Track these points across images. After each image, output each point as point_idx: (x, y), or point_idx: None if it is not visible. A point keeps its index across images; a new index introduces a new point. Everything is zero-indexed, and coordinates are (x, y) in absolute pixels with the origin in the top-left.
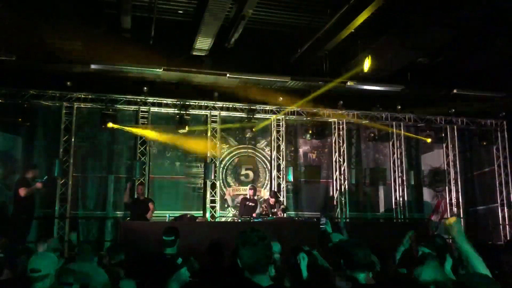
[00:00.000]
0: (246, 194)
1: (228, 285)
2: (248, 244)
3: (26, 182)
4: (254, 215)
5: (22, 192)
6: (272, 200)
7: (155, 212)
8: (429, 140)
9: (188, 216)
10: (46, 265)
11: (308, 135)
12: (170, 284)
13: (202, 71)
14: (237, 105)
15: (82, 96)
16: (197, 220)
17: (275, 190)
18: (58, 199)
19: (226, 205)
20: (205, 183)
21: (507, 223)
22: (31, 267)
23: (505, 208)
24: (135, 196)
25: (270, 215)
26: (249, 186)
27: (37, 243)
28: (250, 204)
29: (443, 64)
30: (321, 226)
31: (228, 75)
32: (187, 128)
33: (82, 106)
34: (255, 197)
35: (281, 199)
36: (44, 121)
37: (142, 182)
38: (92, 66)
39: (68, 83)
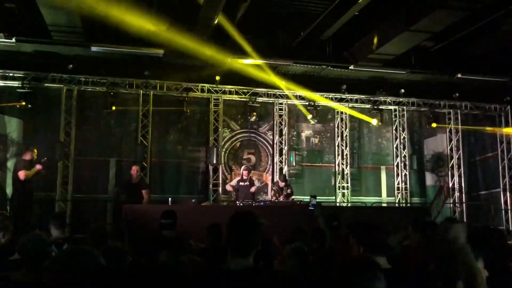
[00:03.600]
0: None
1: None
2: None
3: (25, 165)
4: (253, 189)
5: (22, 174)
6: (282, 184)
7: (156, 195)
8: (434, 125)
9: (193, 201)
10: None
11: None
12: None
13: (203, 54)
14: (240, 88)
15: (83, 79)
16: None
17: (284, 173)
18: (59, 182)
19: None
20: (207, 167)
21: (509, 207)
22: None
23: (508, 193)
24: (128, 178)
25: (280, 199)
26: (243, 166)
27: (50, 225)
28: (245, 184)
29: (448, 48)
30: (309, 208)
31: (230, 58)
32: (189, 111)
33: (83, 89)
34: (250, 177)
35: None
36: (45, 104)
37: (135, 163)
38: (93, 49)
39: (70, 66)
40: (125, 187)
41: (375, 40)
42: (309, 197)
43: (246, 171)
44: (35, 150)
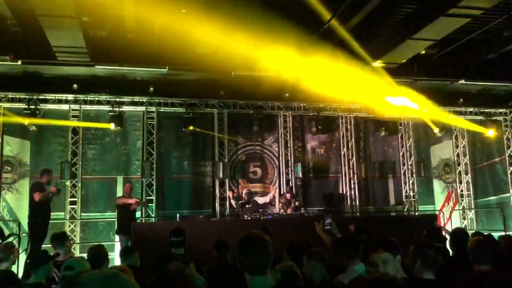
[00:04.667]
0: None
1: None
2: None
3: (40, 187)
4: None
5: (37, 196)
6: (288, 195)
7: (164, 212)
8: (437, 132)
9: (201, 216)
10: (80, 266)
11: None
12: None
13: (207, 69)
14: (243, 102)
15: (89, 98)
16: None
17: (291, 186)
18: (67, 201)
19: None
20: (213, 181)
21: None
22: (66, 265)
23: None
24: (121, 196)
25: (288, 211)
26: (245, 191)
27: (54, 245)
28: (249, 206)
29: (451, 54)
30: (326, 228)
31: (233, 72)
32: (192, 127)
33: (89, 108)
34: (252, 199)
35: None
36: (51, 124)
37: (130, 180)
38: (97, 68)
39: (74, 86)
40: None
41: None
42: (317, 210)
43: (248, 194)
44: (52, 173)
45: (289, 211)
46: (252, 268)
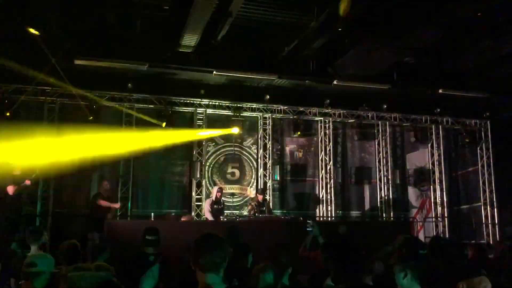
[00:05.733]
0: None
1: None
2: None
3: (15, 179)
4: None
5: (11, 190)
6: (260, 197)
7: (139, 210)
8: (412, 139)
9: (173, 215)
10: (43, 263)
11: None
12: (144, 280)
13: (188, 67)
14: (224, 102)
15: (66, 92)
16: (182, 219)
17: (262, 188)
18: (40, 196)
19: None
20: (190, 182)
21: (489, 222)
22: (28, 262)
23: (488, 207)
24: (98, 193)
25: (257, 214)
26: (216, 188)
27: (29, 241)
28: (219, 207)
29: (429, 64)
30: (308, 229)
31: (214, 72)
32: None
33: (66, 101)
34: (222, 199)
35: (267, 197)
36: (27, 117)
37: (106, 178)
38: (76, 62)
39: (51, 79)
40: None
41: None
42: (302, 219)
43: (220, 193)
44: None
45: (256, 214)
46: (205, 266)
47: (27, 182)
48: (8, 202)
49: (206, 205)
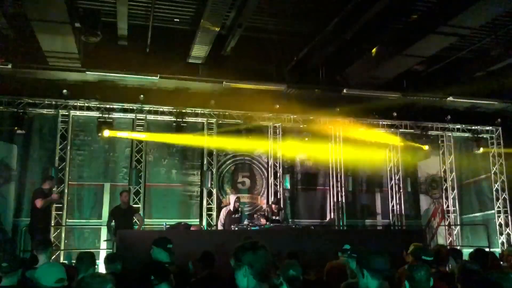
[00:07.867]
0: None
1: None
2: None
3: (42, 193)
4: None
5: (39, 203)
6: (274, 207)
7: (151, 220)
8: (425, 147)
9: (183, 224)
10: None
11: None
12: None
13: (198, 78)
14: (234, 112)
15: (78, 104)
16: (191, 228)
17: (279, 197)
18: (53, 207)
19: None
20: (201, 191)
21: (503, 230)
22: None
23: (502, 215)
24: (119, 204)
25: (268, 223)
26: (234, 197)
27: (37, 252)
28: (236, 216)
29: (439, 71)
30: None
31: (224, 82)
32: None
33: (78, 114)
34: (240, 208)
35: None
36: (40, 129)
37: (126, 190)
38: (88, 74)
39: (64, 91)
40: (115, 214)
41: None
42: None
43: (237, 203)
44: (54, 179)
45: (265, 221)
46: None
47: (54, 196)
48: (37, 215)
49: (221, 215)
